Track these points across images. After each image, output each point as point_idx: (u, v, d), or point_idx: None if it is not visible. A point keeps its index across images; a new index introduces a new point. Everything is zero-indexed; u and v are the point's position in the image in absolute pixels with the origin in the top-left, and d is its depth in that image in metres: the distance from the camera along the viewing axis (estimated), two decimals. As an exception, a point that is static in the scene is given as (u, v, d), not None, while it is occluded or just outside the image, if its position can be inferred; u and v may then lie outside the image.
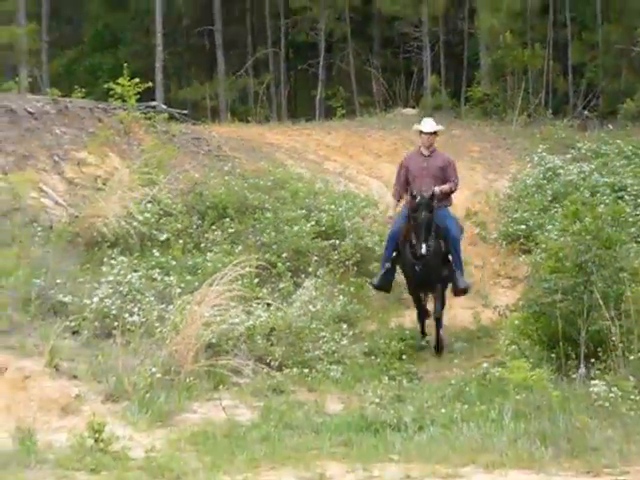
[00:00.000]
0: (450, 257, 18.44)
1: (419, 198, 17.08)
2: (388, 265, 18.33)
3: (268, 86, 37.41)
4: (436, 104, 32.95)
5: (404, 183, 18.58)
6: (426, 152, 18.51)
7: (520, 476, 11.17)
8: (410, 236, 17.72)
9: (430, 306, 19.26)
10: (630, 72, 27.63)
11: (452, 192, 19.24)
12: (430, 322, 19.21)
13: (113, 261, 18.08)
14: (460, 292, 19.07)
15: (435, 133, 18.50)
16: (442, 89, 34.18)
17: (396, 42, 37.78)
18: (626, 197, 22.89)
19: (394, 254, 18.38)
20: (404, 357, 17.95)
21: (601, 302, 15.77)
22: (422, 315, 18.72)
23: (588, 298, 15.98)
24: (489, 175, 25.58)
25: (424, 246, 17.34)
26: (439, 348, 18.44)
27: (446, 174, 18.67)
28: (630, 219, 20.09)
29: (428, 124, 18.70)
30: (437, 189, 18.08)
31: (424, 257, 17.59)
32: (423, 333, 19.00)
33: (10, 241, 18.25)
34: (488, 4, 33.22)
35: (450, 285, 19.22)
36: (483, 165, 26.14)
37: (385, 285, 18.91)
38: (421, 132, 18.67)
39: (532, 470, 11.35)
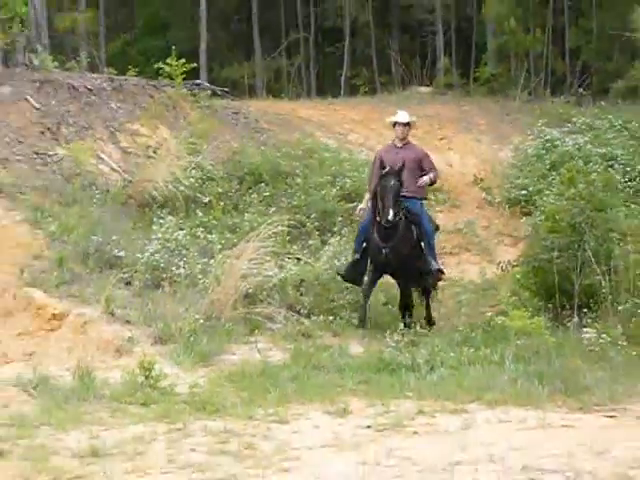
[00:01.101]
0: (422, 245, 16.89)
1: (388, 168, 15.97)
2: (357, 256, 16.92)
3: (299, 67, 37.32)
4: (447, 83, 32.81)
5: (378, 175, 16.52)
6: (399, 144, 17.11)
7: (519, 412, 11.20)
8: (377, 209, 16.34)
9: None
10: (621, 55, 27.53)
11: (433, 183, 18.30)
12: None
13: (162, 220, 18.17)
14: (435, 277, 17.44)
15: (409, 125, 17.33)
16: (453, 69, 33.99)
17: (413, 28, 37.55)
18: (616, 166, 22.87)
19: (364, 245, 16.99)
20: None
21: (593, 259, 15.84)
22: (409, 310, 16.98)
23: (581, 255, 16.03)
24: (494, 146, 25.50)
25: (391, 212, 15.96)
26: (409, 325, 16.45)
27: (422, 165, 17.31)
28: (619, 185, 20.11)
29: (402, 116, 17.40)
30: (426, 178, 17.17)
31: (391, 225, 16.04)
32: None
33: (72, 202, 18.33)
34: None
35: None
36: (489, 137, 26.06)
37: (353, 276, 17.13)
38: (395, 124, 17.36)
39: (530, 407, 11.39)
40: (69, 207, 18.10)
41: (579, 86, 31.57)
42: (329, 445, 9.84)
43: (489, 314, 16.96)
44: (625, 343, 14.07)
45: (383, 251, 16.08)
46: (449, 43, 35.38)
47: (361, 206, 17.41)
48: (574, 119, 26.71)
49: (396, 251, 15.83)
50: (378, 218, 16.28)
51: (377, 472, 8.67)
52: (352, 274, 16.77)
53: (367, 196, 17.26)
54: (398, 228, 15.92)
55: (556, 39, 32.97)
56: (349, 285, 17.49)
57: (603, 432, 10.16)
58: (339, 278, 17.33)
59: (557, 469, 8.47)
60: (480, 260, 21.27)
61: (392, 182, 15.70)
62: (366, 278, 16.99)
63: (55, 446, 10.07)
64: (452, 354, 14.55)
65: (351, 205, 20.37)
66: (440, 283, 19.49)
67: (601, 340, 14.35)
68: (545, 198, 19.58)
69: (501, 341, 14.72)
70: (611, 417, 11.00)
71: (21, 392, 13.01)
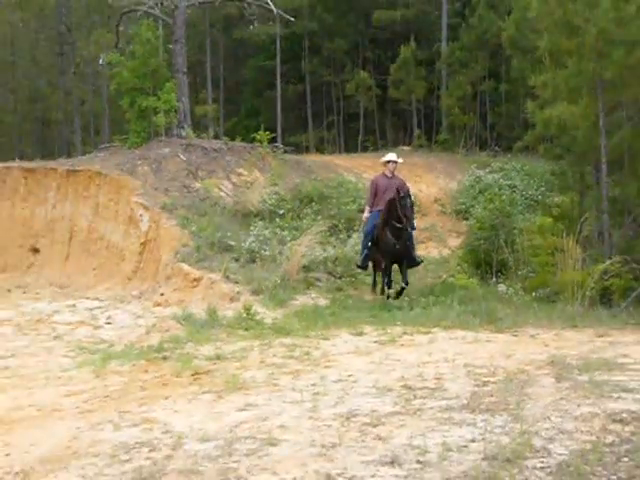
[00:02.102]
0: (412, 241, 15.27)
1: (402, 193, 14.39)
2: (367, 251, 15.18)
3: (334, 135, 37.34)
4: (419, 144, 32.69)
5: (374, 195, 15.22)
6: (389, 175, 15.33)
7: (462, 333, 11.11)
8: (394, 218, 14.48)
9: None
10: (519, 127, 27.35)
11: None
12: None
13: (255, 224, 18.20)
14: (416, 265, 15.48)
15: (396, 162, 15.45)
16: (423, 136, 33.88)
17: (399, 111, 37.47)
18: (516, 191, 22.74)
19: (369, 244, 15.12)
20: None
21: (503, 245, 15.75)
22: (390, 282, 15.00)
23: (497, 242, 15.96)
24: (446, 180, 25.43)
25: (414, 222, 14.60)
26: (401, 294, 14.80)
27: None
28: (518, 202, 20.01)
29: (392, 156, 15.76)
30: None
31: (405, 233, 14.59)
32: (388, 291, 14.93)
33: (204, 214, 18.41)
34: (446, 92, 32.98)
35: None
36: (444, 175, 25.98)
37: (365, 265, 15.50)
38: (388, 162, 15.46)
39: (468, 330, 11.33)
40: (203, 217, 18.18)
41: (495, 145, 31.43)
42: (352, 352, 9.82)
43: (444, 276, 16.89)
44: (522, 293, 13.97)
45: (396, 246, 14.56)
46: (420, 121, 35.23)
47: (366, 215, 15.41)
48: (492, 164, 26.63)
49: (403, 244, 14.63)
50: (399, 224, 14.36)
51: (380, 367, 8.66)
52: (364, 264, 15.43)
53: (367, 209, 15.38)
54: (403, 230, 14.59)
55: (482, 118, 32.79)
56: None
57: (510, 344, 10.09)
58: (356, 267, 15.88)
59: (483, 365, 8.42)
60: (438, 246, 21.22)
61: (409, 201, 14.43)
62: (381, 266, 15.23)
63: (195, 354, 10.15)
64: (423, 299, 14.49)
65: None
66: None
67: (508, 291, 14.30)
68: (475, 210, 19.50)
69: (451, 292, 14.62)
70: (515, 336, 10.92)
71: (176, 323, 13.12)
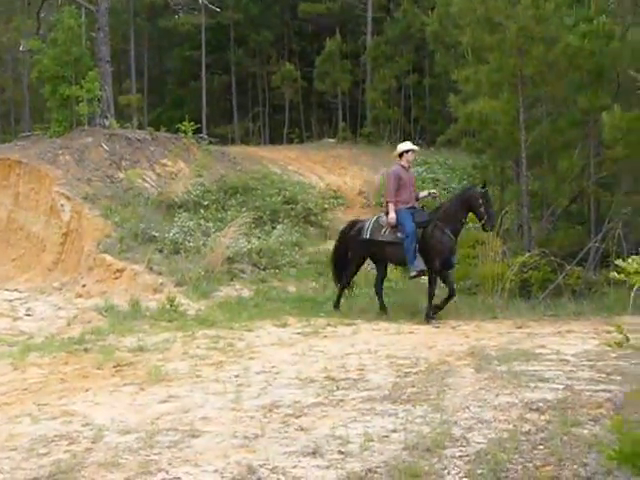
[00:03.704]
0: None
1: (485, 187, 12.25)
2: (418, 253, 11.91)
3: (259, 127, 37.20)
4: (344, 136, 32.72)
5: (397, 190, 12.19)
6: (407, 166, 12.56)
7: (385, 324, 11.23)
8: (462, 215, 12.09)
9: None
10: (443, 121, 27.56)
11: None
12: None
13: (180, 215, 18.04)
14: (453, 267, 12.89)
15: (415, 151, 12.86)
16: (347, 128, 33.95)
17: (325, 104, 37.53)
18: (439, 184, 22.93)
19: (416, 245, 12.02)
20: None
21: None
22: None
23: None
24: (370, 173, 25.49)
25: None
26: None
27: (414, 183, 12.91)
28: (442, 196, 20.15)
29: (409, 145, 12.90)
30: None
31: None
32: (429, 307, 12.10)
33: (127, 204, 18.18)
34: (371, 85, 33.12)
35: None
36: (368, 168, 26.02)
37: (422, 268, 12.10)
38: (408, 151, 12.57)
39: (391, 321, 11.47)
40: (126, 207, 17.96)
41: (419, 139, 31.66)
42: (276, 344, 9.83)
43: (368, 269, 16.88)
44: (443, 286, 14.14)
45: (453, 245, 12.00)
46: (345, 113, 35.29)
47: (392, 215, 12.14)
48: (416, 157, 26.74)
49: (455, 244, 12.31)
50: (462, 222, 12.26)
51: (303, 359, 8.69)
52: (423, 267, 11.91)
53: (391, 206, 12.19)
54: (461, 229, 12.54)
55: (406, 112, 33.01)
56: (288, 252, 17.40)
57: (433, 336, 10.22)
58: (415, 273, 12.08)
59: (406, 356, 8.51)
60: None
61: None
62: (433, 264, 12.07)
63: (117, 345, 10.07)
64: (347, 291, 14.58)
65: (289, 206, 20.31)
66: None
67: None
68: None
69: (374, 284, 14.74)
70: (436, 327, 11.07)
71: (98, 314, 12.96)
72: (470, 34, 15.15)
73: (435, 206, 13.17)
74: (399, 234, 12.09)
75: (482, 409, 6.10)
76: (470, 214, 12.16)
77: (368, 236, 12.49)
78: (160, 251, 16.27)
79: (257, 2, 37.61)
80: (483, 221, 11.95)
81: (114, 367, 8.67)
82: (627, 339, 4.20)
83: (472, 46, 15.51)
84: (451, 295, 12.00)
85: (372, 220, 12.75)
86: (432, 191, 13.21)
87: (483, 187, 12.21)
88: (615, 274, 4.36)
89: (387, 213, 12.37)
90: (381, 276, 12.99)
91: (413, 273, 12.10)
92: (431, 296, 11.93)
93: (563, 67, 13.96)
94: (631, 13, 13.55)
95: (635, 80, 10.73)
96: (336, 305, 13.00)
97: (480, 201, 11.92)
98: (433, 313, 11.70)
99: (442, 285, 12.11)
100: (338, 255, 13.34)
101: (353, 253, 12.99)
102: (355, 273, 13.25)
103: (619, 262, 4.29)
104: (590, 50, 13.21)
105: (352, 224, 13.34)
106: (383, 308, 12.60)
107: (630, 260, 4.22)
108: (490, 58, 14.88)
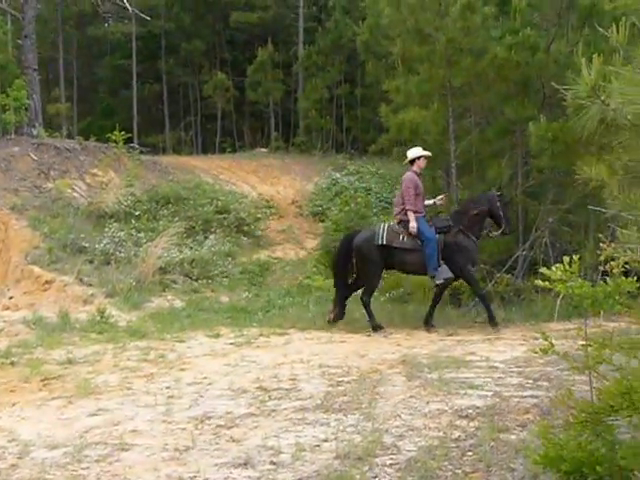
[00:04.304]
0: None
1: (503, 191, 12.38)
2: (442, 262, 11.49)
3: (192, 136, 36.96)
4: (277, 146, 32.73)
5: (415, 197, 11.64)
6: (419, 172, 12.01)
7: (318, 333, 11.27)
8: (482, 221, 11.96)
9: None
10: (374, 130, 27.71)
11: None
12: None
13: (111, 226, 17.82)
14: None
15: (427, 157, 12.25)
16: (280, 138, 33.96)
17: (257, 114, 37.43)
18: (372, 194, 23.03)
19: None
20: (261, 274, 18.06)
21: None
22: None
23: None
24: (303, 182, 25.53)
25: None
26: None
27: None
28: (373, 205, 20.34)
29: (420, 150, 12.24)
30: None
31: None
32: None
33: (57, 215, 17.90)
34: (303, 94, 33.18)
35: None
36: (301, 177, 26.09)
37: (448, 277, 11.64)
38: (420, 157, 11.98)
39: (323, 330, 11.50)
40: (55, 218, 17.67)
41: (351, 148, 31.85)
42: (208, 354, 9.79)
43: (301, 278, 17.00)
44: (376, 293, 14.14)
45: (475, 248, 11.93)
46: (278, 123, 35.29)
47: (413, 224, 11.54)
48: (348, 167, 26.88)
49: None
50: (480, 228, 12.07)
51: (235, 369, 8.67)
52: (448, 274, 11.48)
53: (412, 215, 11.57)
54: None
55: (338, 121, 33.14)
56: (220, 262, 17.38)
57: (364, 344, 10.28)
58: (440, 284, 11.73)
59: (338, 365, 8.55)
60: (296, 247, 21.27)
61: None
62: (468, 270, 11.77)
63: (46, 358, 9.90)
64: (279, 301, 14.60)
65: (221, 216, 20.24)
66: (273, 260, 19.65)
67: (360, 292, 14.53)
68: (332, 212, 19.71)
69: (307, 293, 14.79)
70: (369, 336, 11.13)
71: (25, 327, 12.73)
72: (400, 45, 15.29)
73: (451, 211, 12.86)
74: (419, 241, 11.61)
75: (413, 417, 6.15)
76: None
77: (385, 242, 11.70)
78: (90, 262, 16.05)
79: (188, 11, 37.38)
80: (503, 226, 11.90)
81: (42, 381, 8.52)
82: (552, 346, 4.29)
83: (402, 57, 15.66)
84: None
85: (383, 227, 11.98)
86: (440, 197, 12.63)
87: (499, 192, 12.07)
88: (540, 282, 4.45)
89: (399, 222, 11.83)
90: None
91: (440, 281, 11.61)
92: (483, 296, 11.73)
93: (491, 78, 14.16)
94: (555, 26, 13.80)
95: (559, 91, 11.00)
96: (337, 319, 12.11)
97: (499, 205, 11.89)
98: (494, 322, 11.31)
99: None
100: (339, 268, 12.48)
101: (364, 262, 11.99)
102: (378, 282, 12.57)
103: (544, 270, 4.38)
104: (516, 61, 13.42)
105: (353, 233, 12.66)
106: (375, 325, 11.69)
107: (554, 268, 4.31)
108: (420, 69, 15.04)
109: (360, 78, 31.49)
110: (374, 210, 19.78)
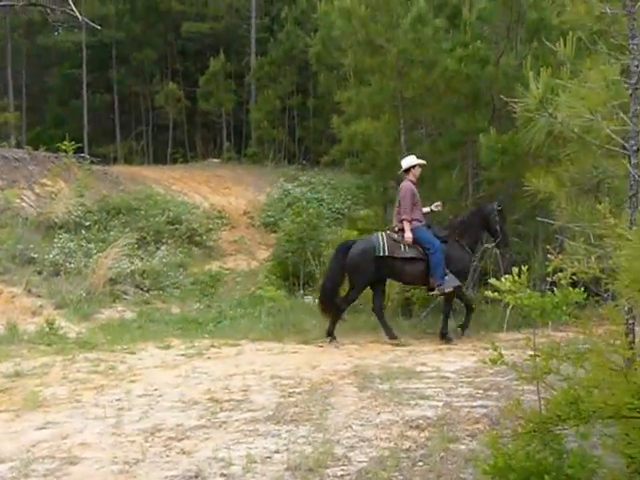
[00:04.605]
0: None
1: (499, 203, 11.79)
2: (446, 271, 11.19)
3: (143, 146, 36.73)
4: (229, 157, 32.73)
5: (413, 206, 11.44)
6: (415, 181, 11.65)
7: (269, 344, 11.21)
8: (479, 233, 11.86)
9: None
10: (326, 142, 27.77)
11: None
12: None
13: (60, 236, 17.62)
14: None
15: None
16: (232, 148, 33.93)
17: (209, 124, 37.33)
18: (323, 204, 23.18)
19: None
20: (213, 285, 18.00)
21: (310, 257, 15.97)
22: None
23: (304, 255, 16.15)
24: (255, 193, 25.56)
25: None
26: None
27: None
28: (325, 216, 20.37)
29: (414, 158, 11.89)
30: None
31: None
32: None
33: (5, 225, 17.67)
34: (256, 105, 33.19)
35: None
36: (253, 188, 26.11)
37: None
38: (415, 166, 11.63)
39: (275, 341, 11.46)
40: (3, 228, 17.44)
41: (303, 159, 31.91)
42: (159, 366, 9.70)
43: (253, 289, 16.96)
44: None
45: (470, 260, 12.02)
46: (230, 133, 35.25)
47: (408, 235, 11.30)
48: (300, 178, 26.96)
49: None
50: (476, 240, 11.96)
51: (186, 381, 8.61)
52: (456, 282, 11.25)
53: (407, 224, 11.35)
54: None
55: (290, 132, 33.22)
56: (172, 273, 17.31)
57: (316, 355, 10.27)
58: (451, 289, 11.28)
59: (290, 376, 8.54)
60: (248, 258, 21.25)
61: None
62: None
63: (-7, 371, 9.74)
64: (231, 312, 14.55)
65: (173, 227, 20.17)
66: (225, 271, 19.59)
67: (315, 302, 14.51)
68: (284, 222, 19.70)
69: (259, 304, 14.72)
70: (320, 347, 11.13)
71: (-28, 339, 12.55)
72: (352, 56, 15.38)
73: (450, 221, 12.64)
74: (421, 250, 11.29)
75: (364, 427, 6.16)
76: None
77: (387, 253, 11.35)
78: (39, 273, 15.85)
79: (139, 21, 37.23)
80: (498, 239, 11.68)
81: (-12, 394, 8.39)
82: (501, 356, 4.33)
83: (354, 68, 15.76)
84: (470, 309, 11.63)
85: (382, 237, 11.54)
86: (436, 204, 12.21)
87: (498, 205, 11.81)
88: (490, 293, 4.49)
89: (398, 231, 11.53)
90: (380, 302, 11.81)
91: (449, 289, 11.23)
92: (448, 314, 11.50)
93: (441, 90, 14.29)
94: (505, 39, 13.98)
95: (509, 103, 11.11)
96: (330, 333, 11.59)
97: (497, 218, 11.63)
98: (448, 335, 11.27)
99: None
100: (333, 280, 11.92)
101: (361, 273, 11.55)
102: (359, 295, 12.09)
103: (494, 281, 4.42)
104: (466, 74, 13.54)
105: (347, 244, 12.12)
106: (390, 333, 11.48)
107: (503, 279, 4.35)
108: (371, 80, 15.13)
109: (312, 89, 31.63)
110: (326, 221, 19.81)
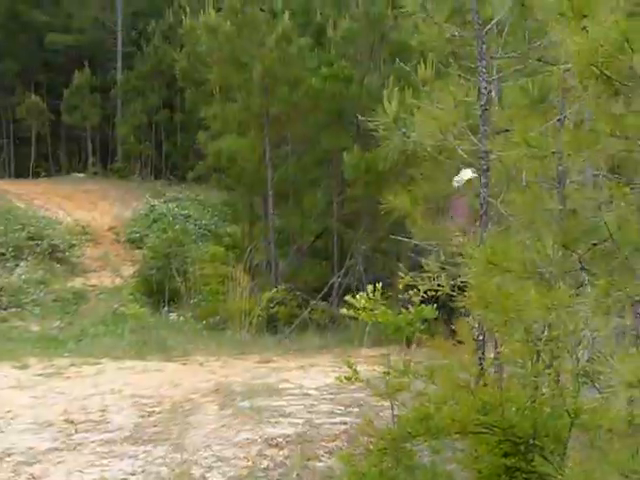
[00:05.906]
0: None
1: None
2: None
3: (4, 160, 35.58)
4: (94, 171, 32.13)
5: None
6: None
7: (132, 363, 10.96)
8: None
9: None
10: (194, 157, 27.61)
11: None
12: None
13: None
14: None
15: None
16: (97, 163, 33.31)
17: (73, 136, 36.47)
18: (190, 220, 22.97)
19: None
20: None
21: (176, 274, 15.77)
22: None
23: (169, 272, 15.94)
24: (121, 208, 25.13)
25: None
26: None
27: None
28: (192, 232, 20.30)
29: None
30: None
31: None
32: None
33: None
34: (122, 119, 32.68)
35: None
36: (119, 203, 25.66)
37: None
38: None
39: (138, 359, 11.25)
40: None
41: (170, 174, 31.62)
42: (13, 387, 9.36)
43: (116, 306, 16.61)
44: (193, 321, 14.09)
45: None
46: (95, 148, 34.58)
47: None
48: (167, 193, 26.69)
49: None
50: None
51: (42, 401, 8.34)
52: None
53: None
54: None
55: (157, 147, 32.86)
56: (32, 290, 16.77)
57: (179, 373, 10.13)
58: None
59: (151, 395, 8.40)
60: (112, 274, 20.75)
61: None
62: None
63: None
64: (93, 329, 14.25)
65: (34, 242, 19.56)
66: (88, 288, 19.10)
67: (179, 320, 14.40)
68: (149, 239, 19.42)
69: (122, 322, 14.43)
70: (184, 364, 10.99)
71: None
72: (217, 72, 15.33)
73: None
74: None
75: (223, 447, 6.09)
76: None
77: None
78: None
79: (0, 30, 36.14)
80: None
81: None
82: (356, 373, 4.34)
83: (220, 84, 15.71)
84: None
85: None
86: None
87: None
88: (345, 310, 4.51)
89: None
90: None
91: None
92: None
93: (307, 108, 14.40)
94: (368, 59, 14.23)
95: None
96: None
97: None
98: None
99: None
100: None
101: None
102: None
103: (349, 298, 4.45)
104: (331, 92, 13.71)
105: None
106: None
107: (358, 297, 4.38)
108: (237, 97, 15.11)
109: (180, 104, 31.31)
110: (193, 237, 19.63)
